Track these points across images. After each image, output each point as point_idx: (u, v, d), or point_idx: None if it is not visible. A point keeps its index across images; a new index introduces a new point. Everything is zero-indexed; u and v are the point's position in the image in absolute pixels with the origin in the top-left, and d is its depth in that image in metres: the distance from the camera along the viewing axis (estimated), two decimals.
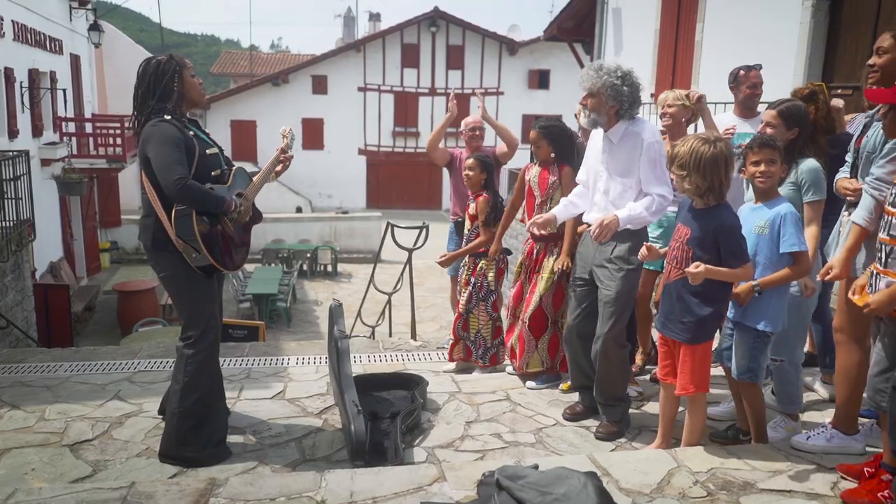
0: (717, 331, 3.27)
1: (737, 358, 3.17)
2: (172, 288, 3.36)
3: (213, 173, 3.29)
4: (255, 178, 3.50)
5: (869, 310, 2.54)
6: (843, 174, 3.35)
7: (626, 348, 3.62)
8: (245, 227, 3.45)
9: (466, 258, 4.70)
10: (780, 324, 3.13)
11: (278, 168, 3.59)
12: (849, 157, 3.31)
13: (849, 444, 3.13)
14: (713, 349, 3.48)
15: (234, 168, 3.41)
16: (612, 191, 3.57)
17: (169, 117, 3.19)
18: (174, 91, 3.22)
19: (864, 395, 2.93)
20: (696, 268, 2.87)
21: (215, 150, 3.38)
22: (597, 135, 3.68)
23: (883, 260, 2.58)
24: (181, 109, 3.28)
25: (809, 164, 3.28)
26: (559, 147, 4.17)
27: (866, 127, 3.10)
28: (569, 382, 4.28)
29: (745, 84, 4.27)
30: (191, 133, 3.24)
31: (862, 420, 3.31)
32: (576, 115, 5.28)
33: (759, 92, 4.30)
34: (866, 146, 2.99)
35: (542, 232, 4.00)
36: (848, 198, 3.25)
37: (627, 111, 3.46)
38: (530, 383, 4.31)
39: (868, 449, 3.12)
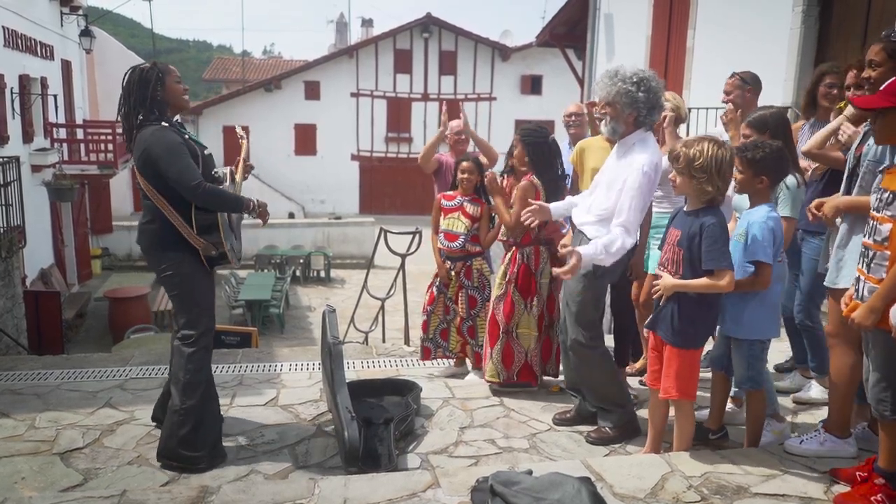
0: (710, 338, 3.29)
1: (735, 369, 3.22)
2: (177, 287, 3.37)
3: (213, 172, 3.40)
4: (236, 177, 3.61)
5: (854, 324, 2.57)
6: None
7: (595, 350, 3.55)
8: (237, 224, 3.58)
9: (454, 263, 4.55)
10: (768, 330, 3.17)
11: (246, 175, 3.71)
12: (848, 165, 3.18)
13: (841, 448, 3.14)
14: (705, 354, 3.50)
15: (228, 168, 3.54)
16: (596, 195, 3.52)
17: (167, 124, 3.26)
18: (157, 98, 3.27)
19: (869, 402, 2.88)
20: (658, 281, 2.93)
21: (209, 150, 3.49)
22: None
23: (867, 265, 2.59)
24: (167, 116, 3.33)
25: (788, 179, 3.33)
26: (534, 157, 4.04)
27: (865, 135, 3.07)
28: (557, 384, 4.28)
29: None
30: (187, 136, 3.33)
31: (860, 424, 3.32)
32: (564, 119, 5.29)
33: (725, 100, 4.30)
34: (867, 155, 2.93)
35: (535, 221, 3.70)
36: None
37: (647, 118, 3.35)
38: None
39: (865, 453, 3.12)
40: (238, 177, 3.59)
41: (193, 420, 3.29)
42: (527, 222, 3.66)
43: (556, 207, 3.73)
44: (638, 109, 3.32)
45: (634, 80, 3.29)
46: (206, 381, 3.39)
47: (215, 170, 3.42)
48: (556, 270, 3.26)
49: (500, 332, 4.14)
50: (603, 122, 3.50)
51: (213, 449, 3.36)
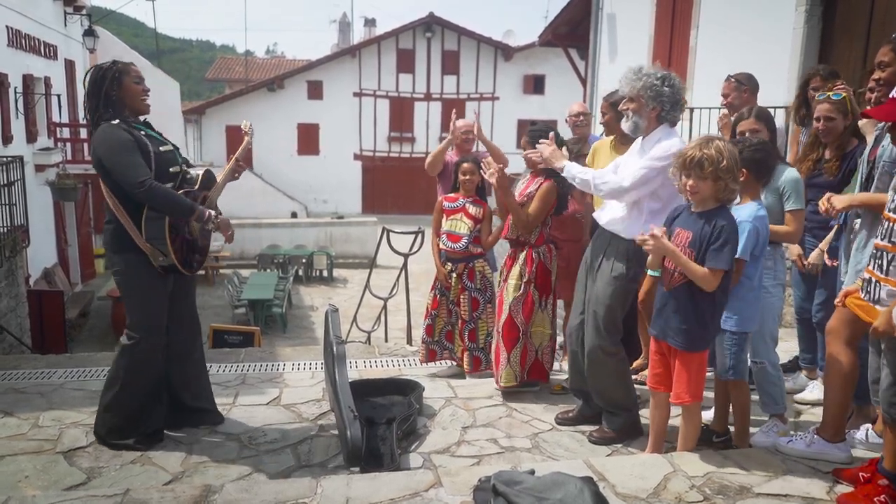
0: None
1: (719, 358, 3.27)
2: (124, 288, 3.37)
3: (171, 169, 3.31)
4: (218, 180, 3.54)
5: (878, 334, 2.48)
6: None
7: (615, 357, 3.55)
8: (205, 232, 3.49)
9: (455, 265, 4.51)
10: (750, 323, 3.22)
11: (236, 175, 3.65)
12: (861, 169, 3.19)
13: (829, 451, 3.08)
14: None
15: (203, 171, 3.47)
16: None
17: (116, 121, 3.20)
18: (112, 97, 3.23)
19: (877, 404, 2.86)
20: (644, 235, 2.92)
21: (169, 147, 3.40)
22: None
23: (884, 267, 2.54)
24: (123, 115, 3.27)
25: (791, 173, 3.38)
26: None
27: (878, 138, 3.05)
28: (560, 383, 4.28)
29: None
30: (141, 133, 3.25)
31: (864, 426, 3.31)
32: (567, 121, 5.28)
33: (724, 103, 4.30)
34: (882, 156, 2.92)
35: (539, 160, 3.78)
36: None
37: (670, 113, 3.37)
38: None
39: (867, 454, 3.11)
40: (220, 178, 3.53)
41: (124, 411, 3.37)
42: (534, 157, 3.73)
43: (573, 165, 3.64)
44: (662, 104, 3.34)
45: (659, 75, 3.35)
46: (146, 384, 3.42)
47: (174, 167, 3.33)
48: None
49: (520, 335, 4.07)
50: (624, 118, 3.50)
51: (150, 436, 3.44)
